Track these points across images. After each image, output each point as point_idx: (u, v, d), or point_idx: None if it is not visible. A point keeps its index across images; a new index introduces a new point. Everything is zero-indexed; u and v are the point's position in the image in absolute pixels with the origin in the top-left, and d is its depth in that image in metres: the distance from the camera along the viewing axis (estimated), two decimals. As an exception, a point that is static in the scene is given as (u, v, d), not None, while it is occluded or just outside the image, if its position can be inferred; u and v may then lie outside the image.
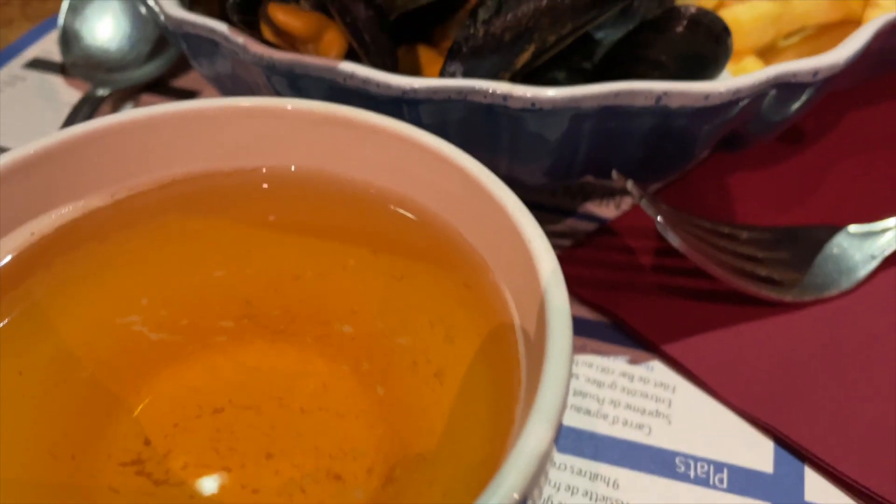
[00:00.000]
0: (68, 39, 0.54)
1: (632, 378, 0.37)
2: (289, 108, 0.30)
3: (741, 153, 0.45)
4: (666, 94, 0.33)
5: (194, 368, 0.27)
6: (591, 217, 0.45)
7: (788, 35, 0.47)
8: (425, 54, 0.39)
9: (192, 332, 0.27)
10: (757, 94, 0.34)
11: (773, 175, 0.47)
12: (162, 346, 0.27)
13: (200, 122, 0.30)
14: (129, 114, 0.30)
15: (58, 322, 0.27)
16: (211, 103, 0.30)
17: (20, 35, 0.60)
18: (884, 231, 0.42)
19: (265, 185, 0.31)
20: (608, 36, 0.38)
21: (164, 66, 0.54)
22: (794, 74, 0.34)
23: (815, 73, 0.34)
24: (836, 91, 0.47)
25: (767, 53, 0.46)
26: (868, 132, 0.50)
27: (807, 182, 0.47)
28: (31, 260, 0.28)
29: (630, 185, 0.36)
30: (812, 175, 0.47)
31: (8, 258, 0.28)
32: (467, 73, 0.35)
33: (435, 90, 0.34)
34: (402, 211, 0.31)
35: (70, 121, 0.48)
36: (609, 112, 0.34)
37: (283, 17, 0.36)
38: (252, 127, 0.30)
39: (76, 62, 0.53)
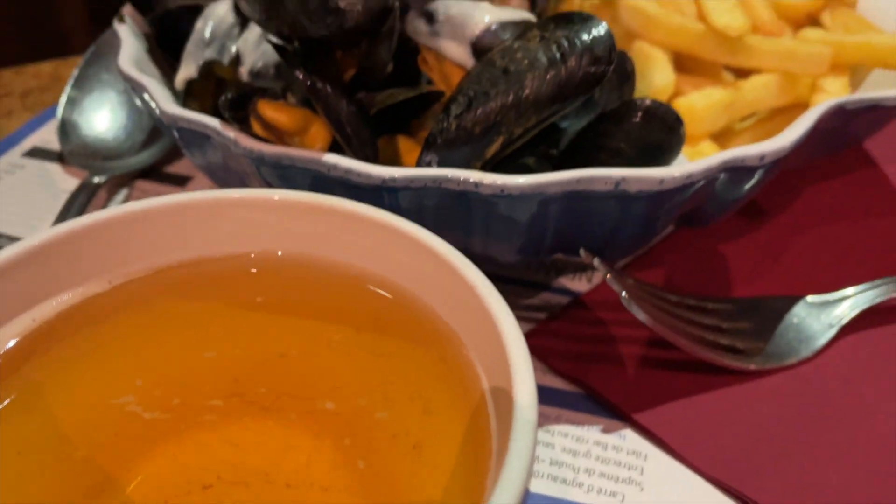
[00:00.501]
0: (66, 130, 0.57)
1: (605, 447, 0.39)
2: (276, 198, 0.33)
3: (704, 228, 0.48)
4: (624, 179, 0.35)
5: (185, 446, 0.28)
6: (564, 291, 0.48)
7: (743, 118, 0.50)
8: (404, 144, 0.42)
9: (183, 410, 0.29)
10: (709, 178, 0.37)
11: (735, 248, 0.50)
12: (154, 425, 0.28)
13: (193, 213, 0.32)
14: (126, 206, 0.32)
15: (56, 403, 0.28)
16: (203, 195, 0.33)
17: (20, 125, 0.63)
18: (840, 300, 0.44)
19: (253, 270, 0.33)
20: (572, 125, 0.41)
21: (157, 154, 0.57)
22: (743, 159, 0.37)
23: (762, 157, 0.37)
24: (791, 168, 0.50)
25: (724, 136, 0.49)
26: (823, 207, 0.53)
27: (767, 255, 0.49)
28: (32, 345, 0.29)
29: (597, 262, 0.38)
30: (772, 248, 0.50)
31: (10, 344, 0.29)
32: (442, 163, 0.38)
33: (412, 179, 0.36)
34: (382, 291, 0.33)
35: (67, 208, 0.50)
36: (573, 196, 0.36)
37: (271, 112, 0.39)
38: (241, 216, 0.33)
39: (74, 151, 0.56)
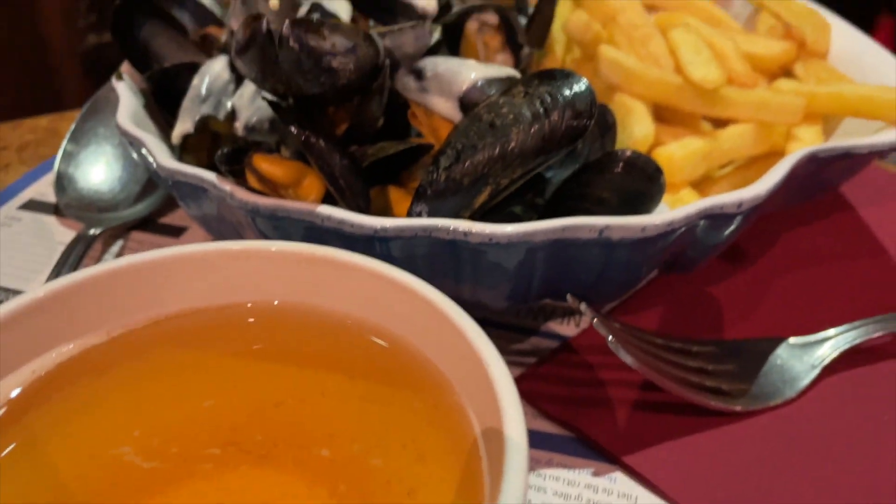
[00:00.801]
0: (63, 183, 0.58)
1: (596, 490, 0.39)
2: (272, 249, 0.34)
3: (688, 274, 0.50)
4: (608, 227, 0.37)
5: (182, 495, 0.29)
6: (553, 335, 0.49)
7: (722, 166, 0.52)
8: (395, 194, 0.44)
9: (181, 460, 0.29)
10: (689, 225, 0.38)
11: (718, 292, 0.51)
12: (153, 475, 0.29)
13: (191, 265, 0.33)
14: (124, 260, 0.33)
15: (55, 453, 0.29)
16: (200, 248, 0.34)
17: (16, 178, 0.64)
18: (822, 342, 0.46)
19: (250, 319, 0.34)
20: (557, 175, 0.43)
21: (152, 205, 0.58)
22: (721, 207, 0.39)
23: (740, 204, 0.39)
24: (770, 213, 0.52)
25: (704, 183, 0.51)
26: (803, 250, 0.55)
27: (750, 298, 0.51)
28: (32, 396, 0.30)
29: (583, 307, 0.39)
30: (754, 291, 0.51)
31: (11, 395, 0.30)
32: (432, 213, 0.39)
33: (403, 229, 0.37)
34: (375, 339, 0.34)
35: (63, 260, 0.51)
36: (559, 244, 0.38)
37: (266, 166, 0.40)
38: (239, 267, 0.34)
39: (69, 204, 0.57)
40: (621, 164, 0.40)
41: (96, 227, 0.55)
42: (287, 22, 0.36)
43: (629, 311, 0.49)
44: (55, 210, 0.60)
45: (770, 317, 0.49)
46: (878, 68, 0.55)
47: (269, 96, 0.41)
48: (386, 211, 0.43)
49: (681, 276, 0.51)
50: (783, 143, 0.51)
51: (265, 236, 0.42)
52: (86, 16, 1.43)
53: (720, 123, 0.51)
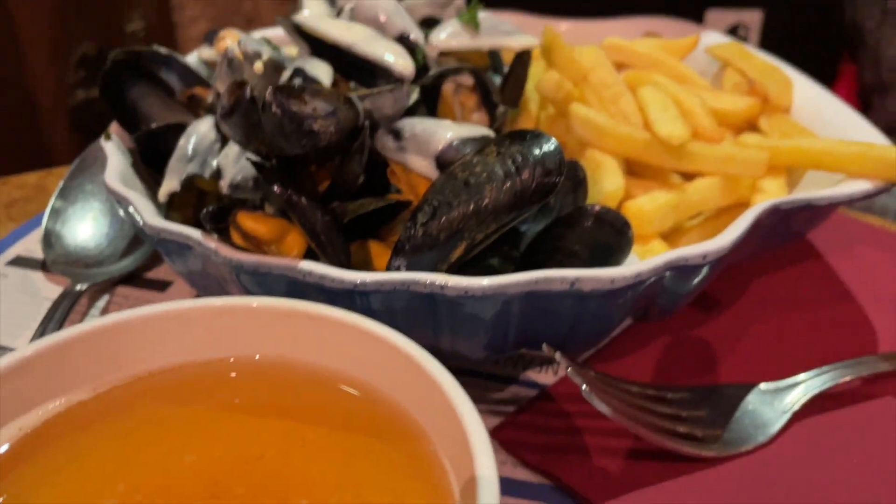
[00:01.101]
0: (50, 240, 0.59)
1: (574, 537, 0.40)
2: (254, 305, 0.35)
3: (661, 322, 0.51)
4: (578, 279, 0.38)
5: (164, 549, 0.29)
6: (531, 384, 0.50)
7: (692, 217, 0.54)
8: (375, 249, 0.45)
9: (163, 513, 0.30)
10: (657, 276, 0.40)
11: (691, 339, 0.52)
12: (135, 529, 0.29)
13: (175, 322, 0.35)
14: (110, 318, 0.34)
15: (39, 510, 0.29)
16: (184, 305, 0.35)
17: (3, 235, 0.65)
18: (792, 387, 0.47)
19: (232, 374, 0.35)
20: (531, 229, 0.45)
21: (138, 261, 0.59)
22: (686, 258, 0.40)
23: (704, 256, 0.41)
24: (740, 262, 0.53)
25: (674, 234, 0.53)
26: (773, 297, 0.57)
27: (722, 345, 0.52)
28: (19, 452, 0.31)
29: (558, 356, 0.41)
30: (726, 338, 0.53)
31: (-4, 452, 0.31)
32: (410, 267, 0.40)
33: (382, 283, 0.39)
34: (354, 391, 0.35)
35: (50, 316, 0.52)
36: (533, 296, 0.39)
37: (250, 223, 0.42)
38: (221, 323, 0.35)
39: (56, 260, 0.58)
40: (591, 219, 0.42)
41: (83, 282, 0.56)
42: (270, 89, 0.38)
43: (605, 359, 0.50)
44: (42, 266, 0.60)
45: (742, 363, 0.50)
46: (839, 121, 0.57)
47: (254, 157, 0.43)
48: (367, 265, 0.45)
49: (655, 324, 0.53)
50: (749, 194, 0.53)
51: (249, 291, 0.43)
52: (75, 72, 1.45)
53: (689, 176, 0.54)
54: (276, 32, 0.63)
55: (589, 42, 0.67)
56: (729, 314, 0.55)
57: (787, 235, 0.56)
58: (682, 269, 0.41)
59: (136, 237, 0.61)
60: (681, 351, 0.51)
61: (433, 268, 0.41)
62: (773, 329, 0.53)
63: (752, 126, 0.59)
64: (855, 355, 0.49)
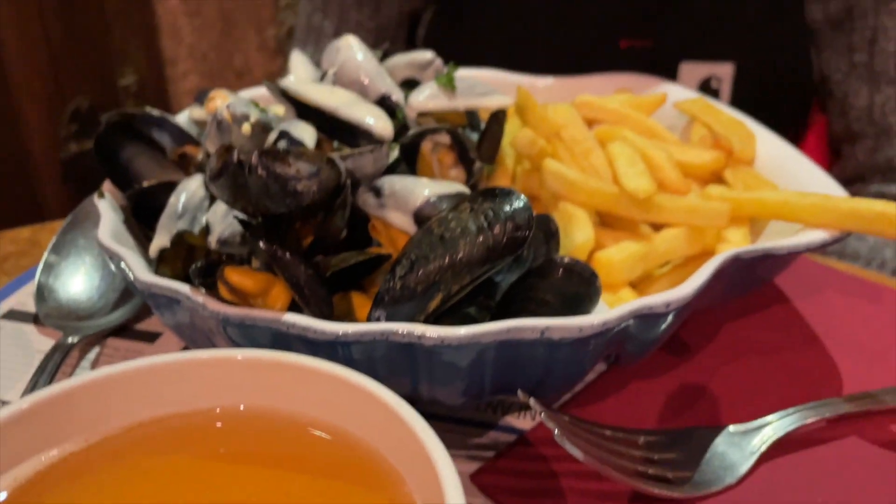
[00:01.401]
0: (43, 294, 0.61)
1: (549, 579, 0.41)
2: (239, 357, 0.37)
3: (634, 365, 0.53)
4: (548, 328, 0.40)
5: None
6: (510, 429, 0.51)
7: (661, 265, 0.57)
8: (357, 300, 0.47)
9: (150, 559, 0.31)
10: (623, 325, 0.42)
11: (662, 383, 0.54)
12: (124, 575, 0.31)
13: (163, 374, 0.36)
14: (102, 372, 0.36)
15: (31, 558, 0.31)
16: (172, 358, 0.37)
17: (-3, 289, 0.67)
18: (760, 429, 0.49)
19: (218, 424, 0.37)
20: (506, 279, 0.47)
21: (128, 313, 0.61)
22: (650, 307, 0.42)
23: (668, 304, 0.43)
24: (708, 307, 0.56)
25: (644, 282, 0.55)
26: (741, 341, 0.59)
27: (692, 388, 0.54)
28: (15, 502, 0.32)
29: (532, 402, 0.42)
30: (696, 382, 0.55)
31: (-9, 502, 0.32)
32: (389, 318, 0.42)
33: (362, 334, 0.41)
34: (330, 437, 0.36)
35: (42, 368, 0.53)
36: (506, 344, 0.41)
37: (237, 278, 0.44)
38: (207, 375, 0.37)
39: (49, 314, 0.60)
40: (561, 270, 0.44)
41: (74, 335, 0.57)
42: (256, 153, 0.40)
43: (580, 404, 0.52)
44: (35, 319, 0.62)
45: (712, 406, 0.52)
46: (799, 173, 0.60)
47: (241, 215, 0.45)
48: (349, 315, 0.47)
49: (628, 369, 0.55)
50: (714, 243, 0.55)
51: (235, 343, 0.45)
52: (67, 125, 1.49)
53: (659, 227, 0.56)
54: (264, 92, 0.66)
55: (564, 98, 0.71)
56: (700, 358, 0.57)
57: (753, 282, 0.58)
58: (648, 317, 0.43)
59: (127, 290, 0.62)
60: (653, 395, 0.53)
61: (412, 318, 0.43)
62: (742, 372, 0.56)
63: (718, 178, 0.62)
64: (820, 397, 0.51)
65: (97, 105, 1.56)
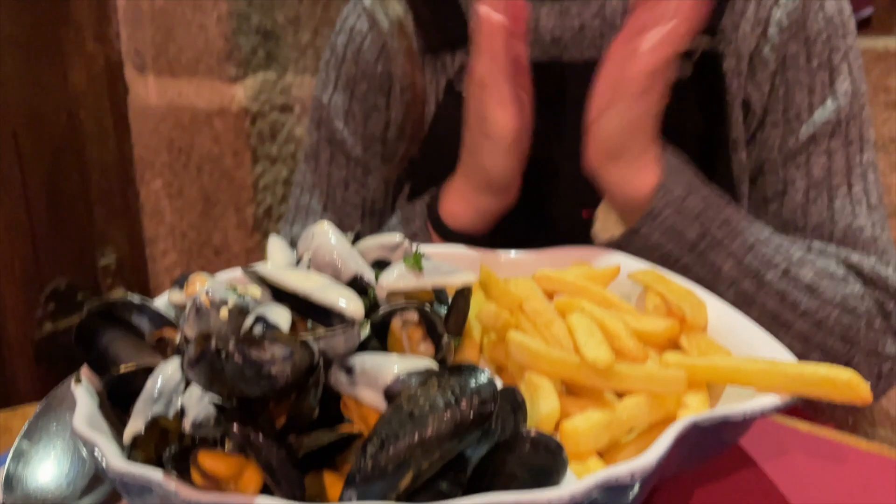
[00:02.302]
0: (12, 483, 0.60)
1: None
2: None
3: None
4: (517, 503, 0.41)
5: None
6: None
7: (628, 432, 0.58)
8: (329, 479, 0.48)
9: None
10: (591, 496, 0.43)
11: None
12: None
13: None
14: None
15: None
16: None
17: (-38, 478, 0.66)
18: None
19: None
20: (476, 454, 0.48)
21: (98, 498, 0.60)
22: (616, 478, 0.44)
23: (633, 475, 0.44)
24: (677, 473, 0.57)
25: (611, 450, 0.56)
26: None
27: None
28: None
29: (506, 580, 0.42)
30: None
31: None
32: (361, 497, 0.43)
33: (334, 515, 0.41)
34: None
35: (3, 563, 0.52)
36: (477, 522, 0.42)
37: (209, 463, 0.44)
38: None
39: (16, 503, 0.58)
40: (528, 443, 0.46)
41: (39, 525, 0.56)
42: (232, 340, 0.43)
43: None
44: (0, 509, 0.61)
45: (688, 576, 0.52)
46: (750, 338, 0.64)
47: (216, 400, 0.47)
48: (321, 496, 0.47)
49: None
50: (675, 409, 0.57)
51: (206, 528, 0.45)
52: (44, 306, 1.50)
53: (622, 394, 0.58)
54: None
55: (526, 270, 0.75)
56: (673, 525, 0.57)
57: (718, 446, 0.60)
58: (614, 488, 0.44)
59: (97, 475, 0.62)
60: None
61: (383, 497, 0.43)
62: (715, 539, 0.56)
63: (674, 344, 0.65)
64: (793, 562, 0.51)
65: (76, 284, 1.59)
